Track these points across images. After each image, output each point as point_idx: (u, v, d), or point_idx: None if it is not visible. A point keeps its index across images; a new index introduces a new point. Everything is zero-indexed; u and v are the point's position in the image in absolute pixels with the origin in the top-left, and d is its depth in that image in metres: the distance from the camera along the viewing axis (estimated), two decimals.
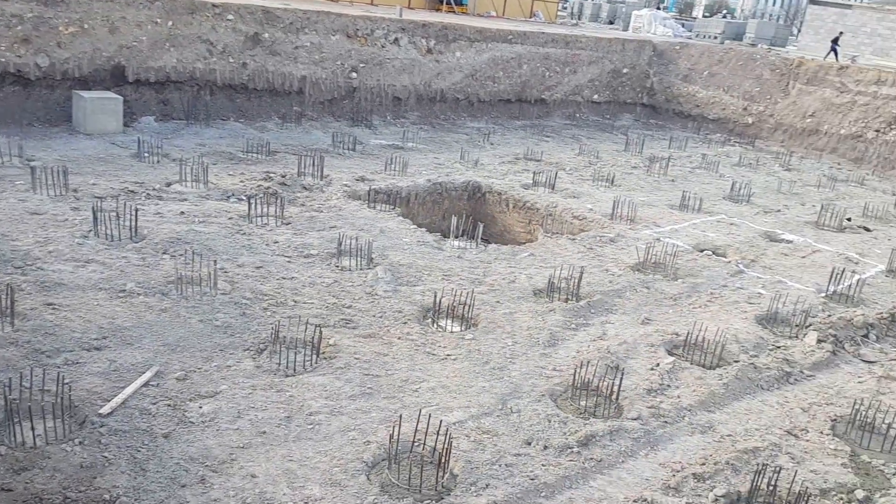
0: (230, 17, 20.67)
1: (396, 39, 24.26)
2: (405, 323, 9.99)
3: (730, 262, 14.01)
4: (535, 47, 27.98)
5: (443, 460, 6.88)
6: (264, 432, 7.24)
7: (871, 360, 10.64)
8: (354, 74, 22.94)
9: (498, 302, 11.02)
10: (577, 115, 29.10)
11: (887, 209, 19.38)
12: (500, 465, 7.17)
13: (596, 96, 29.89)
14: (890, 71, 27.31)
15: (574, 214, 15.98)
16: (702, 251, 14.43)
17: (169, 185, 14.48)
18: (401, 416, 7.38)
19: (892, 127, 25.48)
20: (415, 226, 14.19)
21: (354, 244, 11.91)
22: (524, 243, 14.93)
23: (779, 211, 18.28)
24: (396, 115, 23.90)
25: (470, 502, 6.62)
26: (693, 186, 19.44)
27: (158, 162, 15.87)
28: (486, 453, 7.34)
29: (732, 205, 18.34)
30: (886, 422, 8.58)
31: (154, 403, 7.46)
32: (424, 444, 7.26)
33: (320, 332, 8.88)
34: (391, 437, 7.00)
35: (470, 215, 15.30)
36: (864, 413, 8.67)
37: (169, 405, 7.47)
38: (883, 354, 10.86)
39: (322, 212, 14.17)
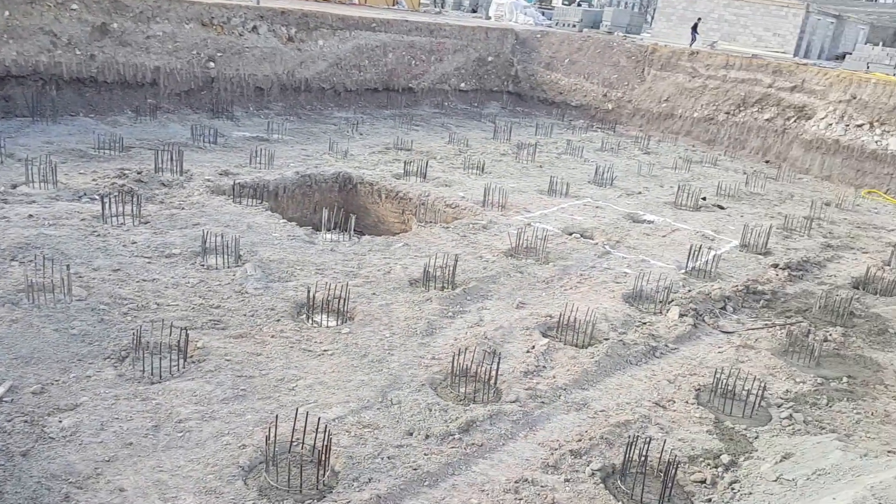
0: (74, 6, 19.30)
1: (255, 27, 23.50)
2: (278, 320, 9.68)
3: (597, 243, 14.50)
4: (400, 35, 27.90)
5: (323, 458, 6.71)
6: (131, 443, 6.83)
7: (729, 330, 11.30)
8: (212, 64, 22.03)
9: (374, 294, 10.89)
10: (446, 104, 29.30)
11: (739, 187, 20.67)
12: (382, 458, 7.07)
13: (463, 84, 30.20)
14: (737, 56, 29.15)
15: (447, 203, 16.05)
16: (570, 234, 14.86)
17: (14, 186, 13.37)
18: (277, 417, 7.13)
19: (741, 109, 27.21)
20: (284, 220, 13.79)
21: (220, 241, 11.43)
22: (398, 233, 14.85)
23: (640, 193, 19.09)
24: (259, 105, 23.19)
25: (353, 498, 6.48)
26: (560, 172, 20.00)
27: (2, 163, 14.62)
28: (368, 447, 7.22)
29: (597, 188, 19.01)
30: (746, 388, 9.12)
31: (9, 420, 6.88)
32: (303, 443, 7.06)
33: (186, 335, 8.45)
34: (267, 438, 6.75)
35: (342, 207, 15.06)
36: (724, 381, 9.18)
37: (25, 421, 6.91)
38: (740, 325, 11.55)
39: (183, 209, 13.50)
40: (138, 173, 14.93)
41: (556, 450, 7.60)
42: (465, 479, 6.97)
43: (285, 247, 12.30)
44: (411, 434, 7.52)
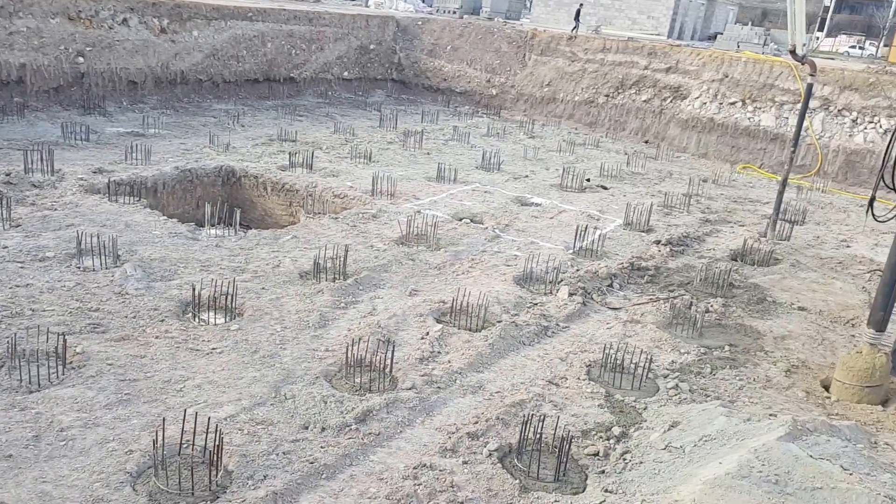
0: None
1: (125, 20, 22.38)
2: (162, 321, 9.26)
3: (486, 228, 14.66)
4: (278, 24, 27.24)
5: (214, 458, 6.47)
6: (10, 455, 6.44)
7: (616, 307, 11.66)
8: (81, 59, 20.83)
9: (263, 288, 10.59)
10: (329, 93, 28.87)
11: (620, 168, 21.38)
12: (277, 454, 6.89)
13: (346, 73, 29.84)
14: (614, 39, 30.08)
15: (335, 193, 15.81)
16: (460, 220, 14.95)
17: None
18: (164, 420, 6.83)
19: (620, 91, 28.14)
20: (165, 217, 13.21)
21: (97, 242, 10.82)
22: (286, 226, 14.52)
23: (527, 176, 19.44)
24: (133, 100, 22.12)
25: (248, 497, 6.29)
26: (447, 158, 20.09)
27: None
28: (262, 444, 7.02)
29: (485, 173, 19.21)
30: (634, 362, 9.44)
31: None
32: (193, 444, 6.79)
33: (64, 341, 7.96)
34: (155, 442, 6.46)
35: (226, 201, 14.58)
36: (613, 356, 9.46)
37: None
38: (626, 301, 11.95)
39: (56, 210, 12.71)
40: (7, 175, 13.95)
41: (453, 433, 7.62)
42: (363, 469, 6.89)
43: (167, 244, 11.79)
44: (307, 428, 7.37)
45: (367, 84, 30.80)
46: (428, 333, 9.73)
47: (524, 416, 7.71)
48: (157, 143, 17.93)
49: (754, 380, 9.61)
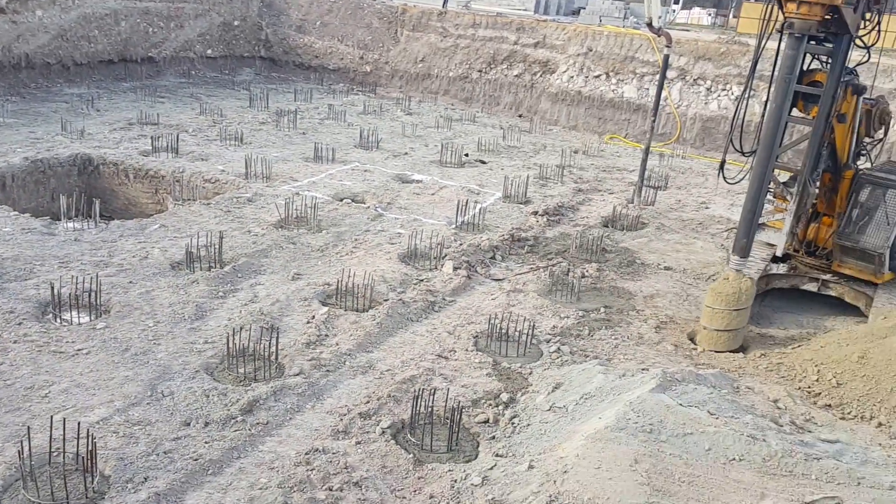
0: None
1: None
2: (20, 324, 8.57)
3: (368, 207, 14.47)
4: (132, 2, 25.71)
5: (88, 464, 6.06)
6: None
7: (499, 277, 11.81)
8: None
9: (131, 282, 10.00)
10: (193, 73, 27.60)
11: (497, 142, 21.61)
12: (157, 455, 6.54)
13: (210, 51, 28.60)
14: (483, 14, 30.29)
15: (205, 178, 15.13)
16: (341, 200, 14.68)
17: None
18: (29, 429, 6.32)
19: (492, 67, 28.41)
20: (16, 212, 12.24)
21: None
22: (153, 215, 13.76)
23: (406, 154, 19.32)
24: None
25: (128, 500, 5.95)
26: (324, 137, 19.66)
27: None
28: (140, 445, 6.64)
29: (364, 152, 18.94)
30: (518, 329, 9.59)
31: None
32: (65, 451, 6.33)
33: None
34: (20, 453, 5.98)
35: (84, 192, 13.66)
36: (499, 326, 9.58)
37: None
38: (509, 271, 12.11)
39: None
40: None
41: (345, 415, 7.50)
42: (252, 461, 6.65)
43: (20, 241, 10.91)
44: (188, 424, 7.04)
45: (234, 62, 29.65)
46: (314, 317, 9.51)
47: (415, 391, 7.67)
48: (2, 133, 16.55)
49: (628, 337, 10.03)
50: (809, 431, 7.76)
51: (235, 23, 29.64)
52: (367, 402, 7.76)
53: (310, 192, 14.81)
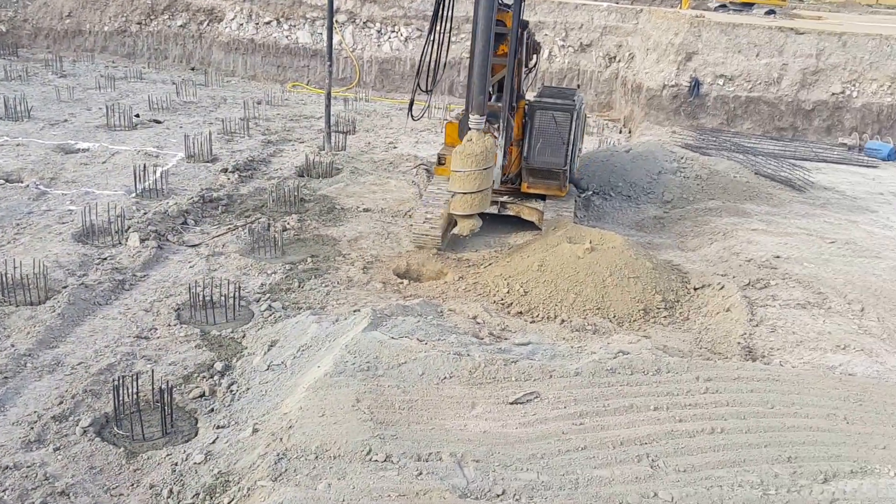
0: None
1: None
2: None
3: (27, 185, 12.80)
4: None
5: None
6: None
7: (195, 243, 11.19)
8: None
9: None
10: None
11: (171, 99, 20.16)
12: None
13: None
14: None
15: None
16: None
17: None
18: None
19: (152, 18, 26.28)
20: None
21: None
22: None
23: (66, 121, 17.30)
24: None
25: None
26: None
27: None
28: None
29: (13, 124, 16.60)
30: (223, 294, 9.21)
31: None
32: None
33: None
34: None
35: None
36: (202, 293, 9.12)
37: None
38: (205, 235, 11.52)
39: None
40: None
41: (35, 422, 6.69)
42: None
43: None
44: None
45: None
46: None
47: (115, 380, 7.05)
48: None
49: (338, 283, 10.17)
50: (506, 339, 8.54)
51: None
52: (61, 402, 6.98)
53: None
